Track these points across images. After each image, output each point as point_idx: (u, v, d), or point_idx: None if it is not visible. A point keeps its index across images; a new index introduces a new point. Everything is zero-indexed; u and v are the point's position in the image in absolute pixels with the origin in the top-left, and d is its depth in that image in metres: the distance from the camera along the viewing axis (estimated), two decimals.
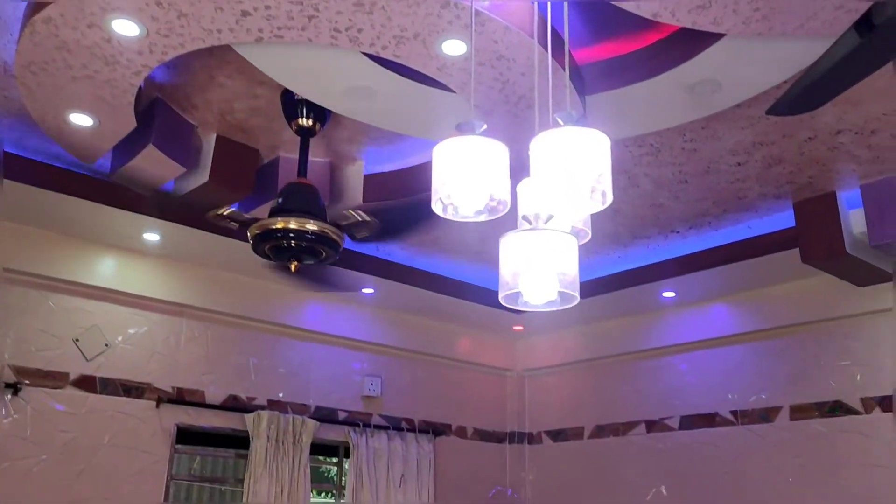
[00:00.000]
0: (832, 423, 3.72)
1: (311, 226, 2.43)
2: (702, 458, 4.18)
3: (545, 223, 1.71)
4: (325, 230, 2.46)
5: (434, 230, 3.61)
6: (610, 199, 1.66)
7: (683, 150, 2.99)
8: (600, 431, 4.70)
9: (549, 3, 2.13)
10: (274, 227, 2.44)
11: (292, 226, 2.41)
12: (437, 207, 1.76)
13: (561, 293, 1.67)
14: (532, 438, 5.07)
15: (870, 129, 2.81)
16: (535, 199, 1.74)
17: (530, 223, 1.75)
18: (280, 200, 2.50)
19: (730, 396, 4.13)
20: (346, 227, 2.59)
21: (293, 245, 2.44)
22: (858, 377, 3.69)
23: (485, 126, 1.77)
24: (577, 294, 1.67)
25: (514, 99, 2.41)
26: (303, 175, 2.67)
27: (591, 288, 4.23)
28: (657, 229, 3.74)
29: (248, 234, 2.51)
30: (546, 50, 2.08)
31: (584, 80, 2.46)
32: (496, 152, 1.78)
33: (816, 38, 2.09)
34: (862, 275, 3.52)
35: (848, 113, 2.71)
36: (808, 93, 1.78)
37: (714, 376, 4.24)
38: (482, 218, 1.76)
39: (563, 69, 2.15)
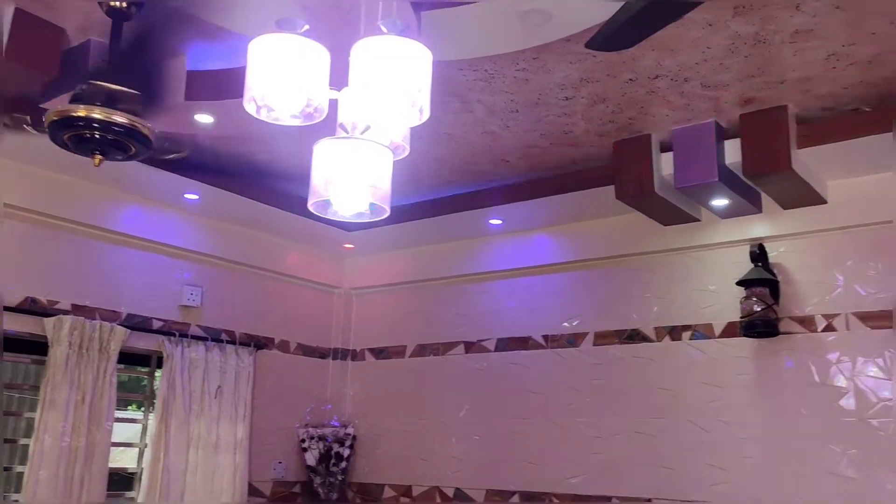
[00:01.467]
0: (628, 348, 4.07)
1: (119, 118, 2.24)
2: (513, 378, 4.44)
3: (361, 133, 1.69)
4: (136, 123, 2.28)
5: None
6: (427, 114, 1.66)
7: (516, 79, 3.05)
8: (422, 350, 4.86)
9: None
10: (75, 114, 2.22)
11: (96, 115, 2.21)
12: (249, 107, 1.68)
13: (372, 205, 1.67)
14: (355, 355, 5.16)
15: (683, 77, 2.99)
16: (353, 109, 1.71)
17: (347, 132, 1.72)
18: (84, 87, 2.28)
19: (543, 322, 4.39)
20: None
21: (97, 136, 2.24)
22: (655, 308, 4.03)
23: (307, 26, 1.70)
24: (388, 208, 1.68)
25: (348, 6, 2.33)
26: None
27: (420, 211, 4.30)
28: (488, 157, 3.83)
29: (45, 121, 2.28)
30: None
31: None
32: (317, 55, 1.72)
33: None
34: (668, 215, 3.81)
35: (665, 59, 2.86)
36: (622, 30, 1.85)
37: (530, 302, 4.47)
38: (297, 122, 1.71)
39: None
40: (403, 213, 4.19)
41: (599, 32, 1.86)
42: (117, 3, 2.37)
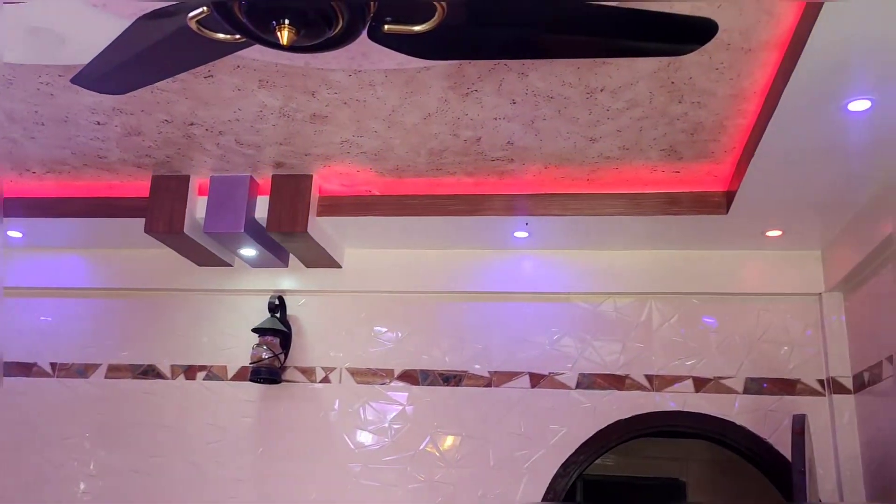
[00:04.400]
0: (140, 384, 4.00)
1: None
2: (12, 406, 4.02)
3: None
4: None
5: None
6: None
7: (39, 92, 2.88)
8: None
9: None
10: None
11: None
12: None
13: None
14: None
15: (218, 130, 3.15)
16: None
17: None
18: None
19: (52, 348, 4.09)
20: None
21: None
22: (175, 346, 4.05)
23: None
24: None
25: None
26: None
27: None
28: (9, 163, 3.51)
29: None
30: None
31: None
32: None
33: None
34: (201, 256, 3.89)
35: (199, 110, 2.98)
36: (113, 74, 1.89)
37: (44, 325, 4.15)
38: None
39: None
40: None
41: (86, 69, 1.87)
42: None
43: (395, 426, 3.84)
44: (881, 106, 2.41)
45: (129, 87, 1.99)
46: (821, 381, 3.63)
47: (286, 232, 3.54)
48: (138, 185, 3.67)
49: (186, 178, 3.57)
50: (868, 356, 3.36)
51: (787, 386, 3.65)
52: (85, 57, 2.48)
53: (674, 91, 2.70)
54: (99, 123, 3.11)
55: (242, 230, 3.50)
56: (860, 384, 3.46)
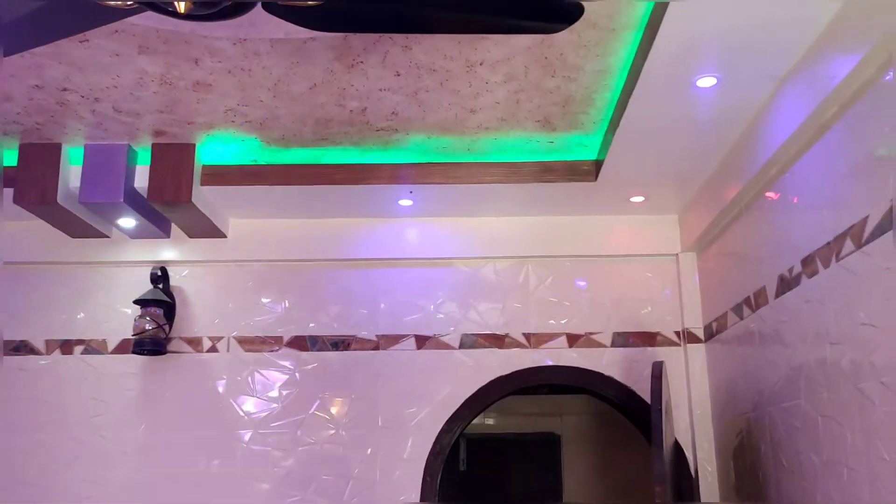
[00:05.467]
0: (13, 360, 3.86)
1: None
2: None
3: None
4: None
5: None
6: None
7: None
8: None
9: None
10: None
11: None
12: None
13: None
14: None
15: (94, 97, 3.06)
16: None
17: None
18: None
19: None
20: None
21: None
22: (50, 321, 3.92)
23: None
24: None
25: None
26: None
27: None
28: None
29: None
30: None
31: None
32: None
33: None
34: (76, 227, 3.78)
35: (74, 76, 2.90)
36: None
37: None
38: None
39: None
40: None
41: None
42: None
43: (285, 392, 3.91)
44: (725, 83, 2.70)
45: (8, 52, 1.94)
46: (677, 333, 4.01)
47: (169, 202, 3.50)
48: (7, 155, 3.51)
49: (58, 147, 3.45)
50: (716, 308, 3.75)
51: (648, 338, 4.01)
52: None
53: (547, 66, 2.89)
54: None
55: (122, 200, 3.43)
56: (710, 334, 3.86)
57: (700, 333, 3.95)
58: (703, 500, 3.70)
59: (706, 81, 2.70)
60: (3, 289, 3.94)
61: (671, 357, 3.94)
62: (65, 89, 2.99)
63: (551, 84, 3.03)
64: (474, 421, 4.02)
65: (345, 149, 3.57)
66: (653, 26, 2.47)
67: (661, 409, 2.91)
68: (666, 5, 2.30)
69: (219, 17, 1.59)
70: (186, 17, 1.54)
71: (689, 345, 3.95)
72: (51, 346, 3.89)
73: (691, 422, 3.87)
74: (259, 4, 1.57)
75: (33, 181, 3.40)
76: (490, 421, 6.47)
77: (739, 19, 2.34)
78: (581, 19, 1.86)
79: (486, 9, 1.78)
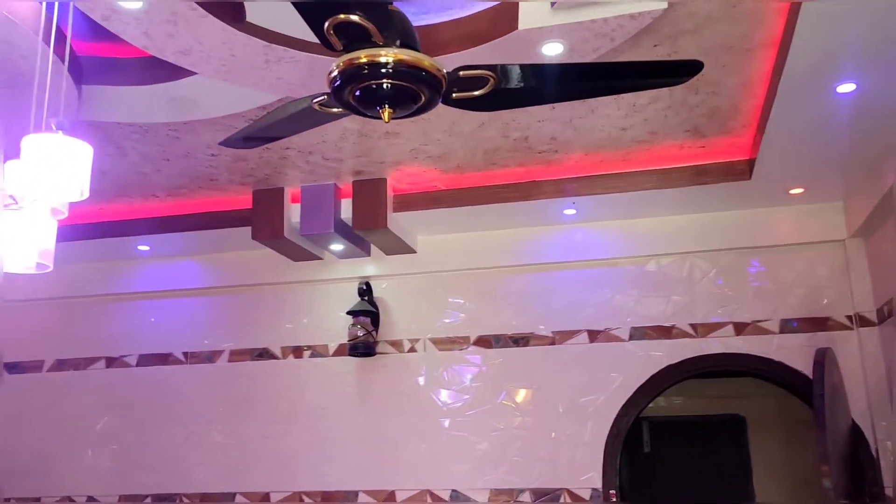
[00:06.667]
0: (258, 364, 4.74)
1: (412, 58, 1.91)
2: (153, 391, 4.82)
3: (26, 205, 2.11)
4: (433, 67, 1.94)
5: None
6: (86, 194, 2.14)
7: (168, 137, 3.55)
8: (60, 365, 4.98)
9: (56, 4, 2.46)
10: (363, 61, 1.87)
11: (388, 57, 1.85)
12: None
13: (38, 263, 2.10)
14: None
15: (308, 151, 3.78)
16: (22, 183, 2.12)
17: (15, 202, 2.13)
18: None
19: (184, 339, 4.86)
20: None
21: (389, 85, 1.90)
22: (282, 331, 4.76)
23: None
24: (50, 264, 2.12)
25: (10, 77, 2.65)
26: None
27: (72, 233, 4.48)
28: (139, 191, 4.22)
29: (328, 78, 1.96)
30: (48, 45, 2.42)
31: (83, 71, 2.83)
32: None
33: (266, 92, 2.88)
34: (296, 253, 4.57)
35: (294, 137, 3.59)
36: (253, 137, 2.51)
37: (173, 322, 4.91)
38: None
39: (63, 63, 2.52)
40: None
41: (236, 135, 2.48)
42: None
43: (475, 385, 4.48)
44: (864, 89, 2.86)
45: (259, 145, 2.61)
46: (849, 317, 4.10)
47: (369, 228, 4.17)
48: (242, 199, 4.34)
49: (281, 190, 4.22)
50: (887, 291, 3.82)
51: (818, 324, 4.13)
52: (211, 113, 3.14)
53: (689, 86, 3.18)
54: (213, 155, 3.77)
55: (332, 230, 4.14)
56: (882, 317, 3.92)
57: (872, 317, 4.02)
58: (885, 479, 3.80)
59: (846, 87, 2.87)
60: (245, 307, 4.84)
61: (845, 341, 4.04)
62: (287, 148, 3.72)
63: (696, 100, 3.32)
64: (658, 404, 4.31)
65: (512, 170, 4.04)
66: (784, 43, 2.71)
67: (822, 395, 3.12)
68: (794, 24, 2.54)
69: (412, 115, 2.12)
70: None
71: (861, 328, 4.03)
72: (285, 351, 4.73)
73: (869, 403, 3.96)
74: (440, 101, 2.08)
75: (266, 221, 4.19)
76: (674, 402, 6.66)
77: (869, 29, 2.51)
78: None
79: (624, 75, 2.17)
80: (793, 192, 4.03)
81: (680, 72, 2.14)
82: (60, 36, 2.57)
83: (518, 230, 4.53)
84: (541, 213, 4.30)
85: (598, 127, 3.55)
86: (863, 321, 4.04)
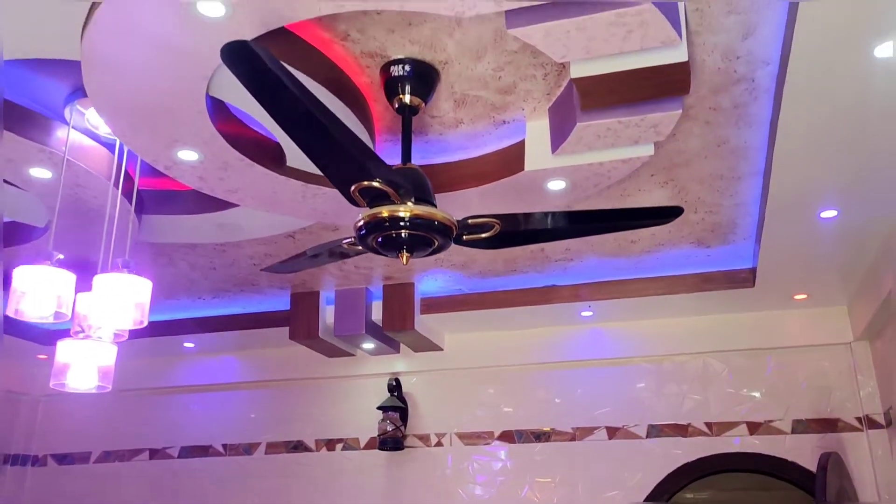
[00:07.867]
0: (293, 456, 4.99)
1: (426, 213, 2.27)
2: (194, 482, 5.08)
3: (93, 333, 2.46)
4: (444, 218, 2.31)
5: None
6: (146, 323, 2.48)
7: (215, 250, 3.93)
8: (107, 456, 5.29)
9: (126, 151, 2.87)
10: (384, 216, 2.25)
11: (406, 213, 2.24)
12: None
13: (98, 385, 2.43)
14: (36, 461, 5.39)
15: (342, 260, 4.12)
16: (92, 314, 2.47)
17: (82, 329, 2.48)
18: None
19: (223, 432, 5.14)
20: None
21: (407, 235, 2.29)
22: (316, 424, 5.03)
23: (60, 255, 2.45)
24: (109, 385, 2.45)
25: (86, 213, 3.06)
26: (407, 159, 2.50)
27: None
28: (187, 294, 4.60)
29: (355, 226, 2.34)
30: (117, 188, 2.82)
31: (143, 201, 3.24)
32: (68, 275, 2.47)
33: (302, 219, 3.25)
34: (331, 351, 4.87)
35: None
36: (292, 269, 2.87)
37: (215, 414, 5.21)
38: (49, 320, 2.43)
39: (130, 204, 2.91)
40: None
41: (280, 264, 2.84)
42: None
43: (500, 478, 4.66)
44: (846, 215, 3.12)
45: (295, 272, 2.95)
46: (858, 419, 4.23)
47: (398, 329, 4.46)
48: (279, 301, 4.69)
49: (316, 294, 4.56)
50: (892, 396, 3.96)
51: (829, 425, 4.26)
52: (252, 234, 3.51)
53: (688, 206, 3.47)
54: (255, 264, 4.14)
55: (364, 331, 4.45)
56: (889, 420, 4.04)
57: (880, 419, 4.14)
58: None
59: (829, 213, 3.13)
60: (281, 401, 5.12)
61: (855, 442, 4.16)
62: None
63: (696, 217, 3.60)
64: (684, 496, 4.42)
65: (530, 276, 4.33)
66: (766, 175, 2.99)
67: (825, 501, 3.25)
68: (771, 161, 2.83)
69: (427, 256, 2.44)
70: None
71: (870, 430, 4.15)
72: (319, 444, 4.98)
73: None
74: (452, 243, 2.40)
75: (302, 321, 4.52)
76: (700, 496, 6.67)
77: (845, 161, 2.78)
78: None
79: (617, 218, 2.49)
80: (797, 297, 4.24)
81: (664, 215, 2.43)
82: (127, 177, 2.98)
83: (539, 329, 4.78)
84: (559, 314, 4.55)
85: (610, 239, 3.84)
86: (871, 423, 4.17)
